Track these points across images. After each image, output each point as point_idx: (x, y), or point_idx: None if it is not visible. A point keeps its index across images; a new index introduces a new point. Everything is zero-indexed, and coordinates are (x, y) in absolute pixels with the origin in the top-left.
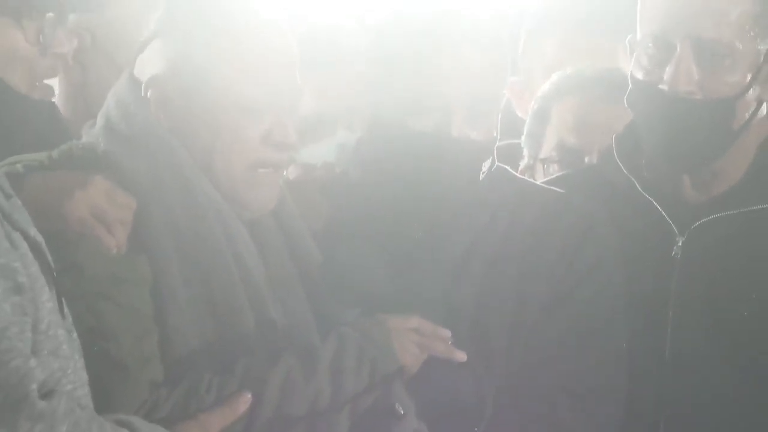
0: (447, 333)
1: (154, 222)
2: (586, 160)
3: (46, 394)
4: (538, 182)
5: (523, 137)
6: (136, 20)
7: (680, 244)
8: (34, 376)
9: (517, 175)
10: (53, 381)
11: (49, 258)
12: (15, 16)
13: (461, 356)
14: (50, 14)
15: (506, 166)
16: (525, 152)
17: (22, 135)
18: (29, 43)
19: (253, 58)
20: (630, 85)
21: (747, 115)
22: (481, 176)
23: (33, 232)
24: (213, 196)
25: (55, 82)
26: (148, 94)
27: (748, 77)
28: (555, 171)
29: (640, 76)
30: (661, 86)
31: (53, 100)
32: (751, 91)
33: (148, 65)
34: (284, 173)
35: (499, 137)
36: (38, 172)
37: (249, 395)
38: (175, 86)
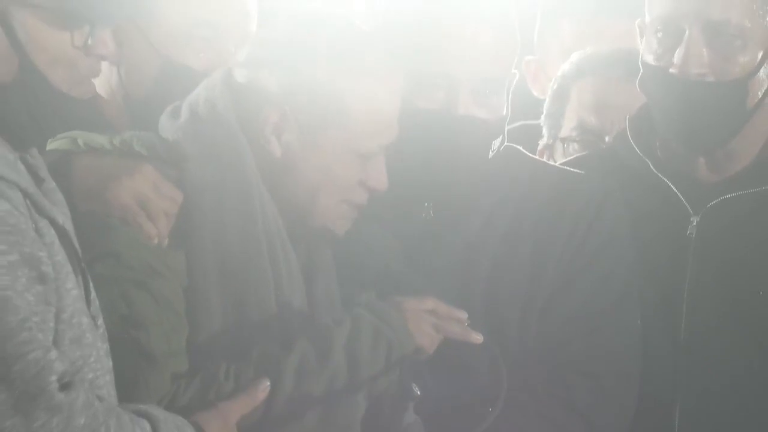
0: (463, 314)
1: (201, 223)
2: (607, 139)
3: (66, 385)
4: (551, 162)
5: (542, 117)
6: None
7: (695, 223)
8: (54, 368)
9: (528, 154)
10: (74, 370)
11: (77, 245)
12: (66, 23)
13: (477, 338)
14: (99, 23)
15: (517, 146)
16: (544, 132)
17: (60, 130)
18: (75, 46)
19: (374, 107)
20: (641, 70)
21: (760, 94)
22: (491, 154)
23: (61, 219)
24: (269, 215)
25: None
26: (266, 117)
27: (759, 55)
28: (575, 150)
29: (650, 60)
30: (671, 70)
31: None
32: (762, 70)
33: (255, 82)
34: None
35: (509, 116)
36: (92, 155)
37: (267, 382)
38: (295, 119)
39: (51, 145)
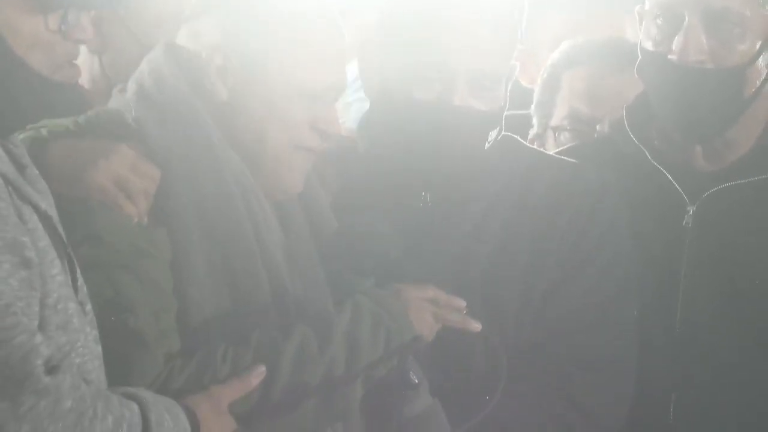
0: (462, 303)
1: (176, 194)
2: (598, 128)
3: (52, 369)
4: (548, 152)
5: (532, 106)
6: None
7: (691, 213)
8: (40, 352)
9: (526, 144)
10: (61, 355)
11: (61, 231)
12: (38, 7)
13: (476, 326)
14: (72, 7)
15: (515, 136)
16: (535, 121)
17: (45, 115)
18: (50, 30)
19: (316, 47)
20: (639, 56)
21: (758, 83)
22: (487, 145)
23: (45, 205)
24: (238, 170)
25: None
26: (209, 61)
27: (758, 44)
28: (566, 139)
29: (649, 46)
30: (670, 56)
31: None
32: (761, 59)
33: (197, 36)
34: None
35: (507, 107)
36: (62, 139)
37: (263, 369)
38: (237, 59)
39: (19, 138)
